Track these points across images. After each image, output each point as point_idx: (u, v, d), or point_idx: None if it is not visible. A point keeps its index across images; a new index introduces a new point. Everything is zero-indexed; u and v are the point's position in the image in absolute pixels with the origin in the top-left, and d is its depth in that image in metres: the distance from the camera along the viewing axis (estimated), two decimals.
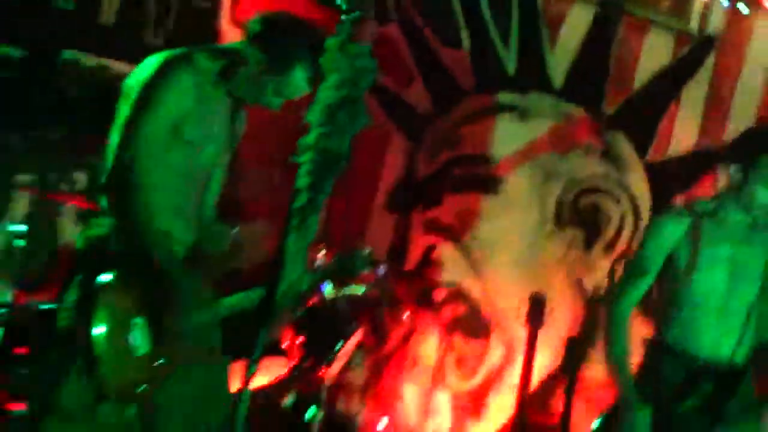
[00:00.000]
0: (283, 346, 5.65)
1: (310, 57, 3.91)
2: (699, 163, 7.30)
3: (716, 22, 7.25)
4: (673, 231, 4.56)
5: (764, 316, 4.50)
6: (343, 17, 3.57)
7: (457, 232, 6.76)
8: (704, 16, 7.24)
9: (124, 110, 3.81)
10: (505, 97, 6.95)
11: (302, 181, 3.49)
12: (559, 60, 7.08)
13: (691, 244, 4.53)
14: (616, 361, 4.64)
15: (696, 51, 7.25)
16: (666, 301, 4.66)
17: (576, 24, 7.10)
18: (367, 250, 4.89)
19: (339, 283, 5.80)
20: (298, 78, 3.98)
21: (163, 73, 3.80)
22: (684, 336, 4.56)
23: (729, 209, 4.53)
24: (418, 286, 6.67)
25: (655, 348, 4.67)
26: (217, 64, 3.93)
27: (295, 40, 4.01)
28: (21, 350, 5.35)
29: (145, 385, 3.74)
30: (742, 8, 7.27)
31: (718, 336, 4.49)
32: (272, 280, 3.39)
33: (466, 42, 6.88)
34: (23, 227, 5.42)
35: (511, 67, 6.97)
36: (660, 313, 4.70)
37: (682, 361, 4.52)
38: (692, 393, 4.45)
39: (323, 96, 3.60)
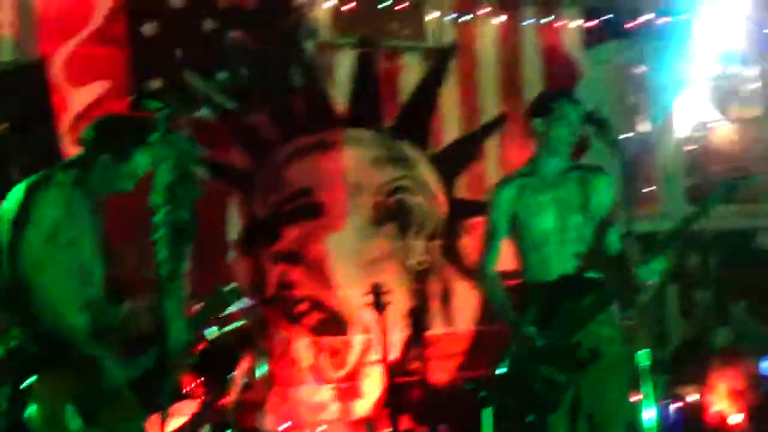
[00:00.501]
0: (187, 390, 5.48)
1: (143, 139, 3.80)
2: (467, 145, 7.39)
3: (448, 34, 7.33)
4: (507, 195, 4.63)
5: (591, 235, 4.55)
6: (157, 115, 3.47)
7: (301, 256, 6.73)
8: (438, 31, 7.32)
9: (4, 234, 3.70)
10: (304, 139, 6.83)
11: (162, 254, 3.41)
12: (340, 96, 6.98)
13: (523, 200, 4.59)
14: (498, 306, 4.71)
15: (440, 61, 7.33)
16: (520, 250, 4.66)
17: (345, 66, 7.03)
18: (232, 285, 4.78)
19: (218, 323, 5.65)
20: (140, 159, 3.85)
21: (30, 196, 3.71)
22: (539, 271, 4.59)
23: (544, 161, 4.62)
24: (281, 306, 6.57)
25: (523, 287, 4.68)
26: (71, 175, 3.81)
27: (126, 132, 3.88)
28: None
29: None
30: (465, 18, 7.35)
31: (561, 261, 4.54)
32: (161, 339, 3.27)
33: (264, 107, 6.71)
34: None
35: (304, 111, 6.85)
36: (518, 258, 4.70)
37: (544, 289, 4.54)
38: (558, 307, 4.47)
39: (159, 180, 3.53)
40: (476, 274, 4.88)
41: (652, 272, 4.42)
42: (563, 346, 4.41)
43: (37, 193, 3.70)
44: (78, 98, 6.12)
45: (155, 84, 6.39)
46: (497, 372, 4.61)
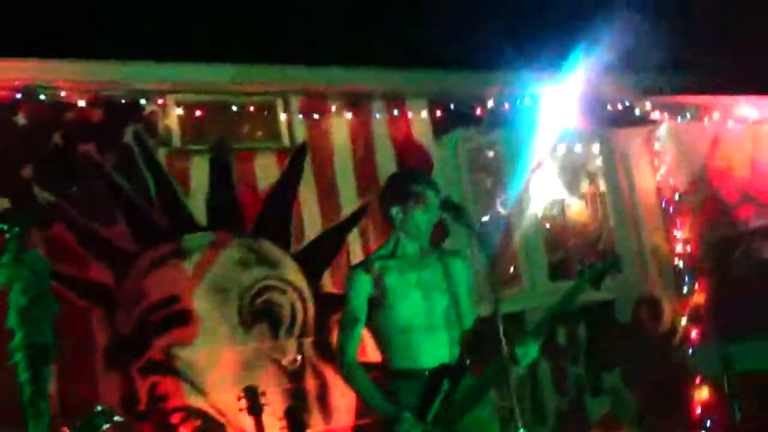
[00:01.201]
0: None
1: None
2: (330, 240, 7.45)
3: (300, 133, 7.42)
4: (365, 279, 4.58)
5: (459, 316, 4.57)
6: (7, 236, 3.40)
7: (170, 366, 6.57)
8: (290, 130, 7.39)
9: None
10: (163, 248, 6.73)
11: (23, 376, 3.29)
12: (197, 202, 6.95)
13: (385, 284, 4.51)
14: (365, 394, 4.64)
15: (295, 159, 7.41)
16: (383, 337, 4.64)
17: (200, 170, 7.01)
18: (102, 407, 4.65)
19: None
20: None
21: None
22: (409, 358, 4.54)
23: (403, 244, 4.61)
24: (155, 419, 6.39)
25: (391, 377, 4.59)
26: None
27: None
28: None
29: None
30: (315, 116, 7.46)
31: (430, 346, 4.51)
32: None
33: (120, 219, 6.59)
34: None
35: (162, 221, 6.77)
36: (382, 346, 4.66)
37: (416, 377, 4.48)
38: (435, 396, 4.44)
39: (14, 302, 3.41)
40: (338, 364, 4.77)
41: (526, 358, 4.47)
42: None
43: None
44: None
45: (3, 203, 6.25)
46: None
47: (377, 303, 4.62)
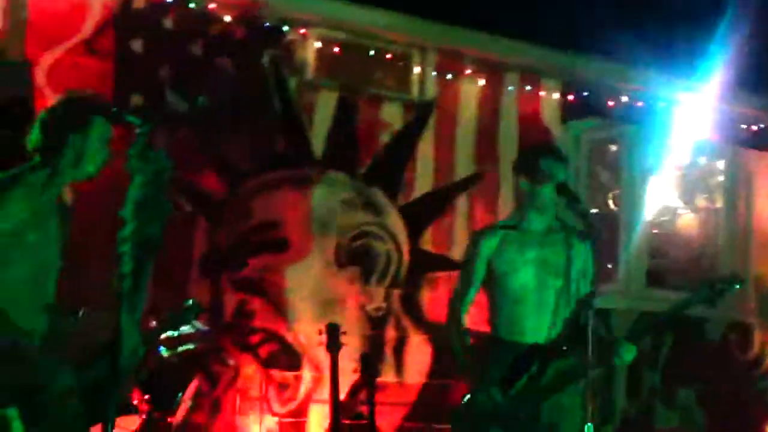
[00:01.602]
0: (134, 404, 5.46)
1: (98, 107, 3.83)
2: (437, 200, 7.48)
3: (431, 90, 7.44)
4: (488, 245, 4.59)
5: (569, 300, 4.49)
6: (137, 131, 3.51)
7: (261, 287, 6.74)
8: (421, 86, 7.42)
9: None
10: (277, 174, 6.87)
11: (125, 267, 3.42)
12: (317, 136, 7.05)
13: (504, 253, 4.54)
14: (456, 353, 4.64)
15: (420, 115, 7.43)
16: (492, 303, 4.64)
17: (325, 106, 7.11)
18: (190, 301, 4.79)
19: (173, 344, 5.66)
20: (100, 127, 3.90)
21: None
22: (509, 328, 4.56)
23: (529, 218, 4.59)
24: (236, 334, 6.56)
25: (491, 341, 4.64)
26: (41, 174, 3.79)
27: (78, 108, 3.93)
28: None
29: None
30: (449, 76, 7.48)
31: (535, 323, 4.52)
32: (114, 351, 3.27)
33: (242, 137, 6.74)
34: None
35: (280, 147, 6.91)
36: (492, 312, 4.67)
37: (512, 348, 4.53)
38: (523, 372, 4.46)
39: (132, 195, 3.54)
40: (447, 317, 4.75)
41: (622, 359, 4.41)
42: (523, 414, 4.36)
43: (5, 192, 3.71)
44: None
45: (137, 99, 6.45)
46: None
47: (493, 271, 4.64)
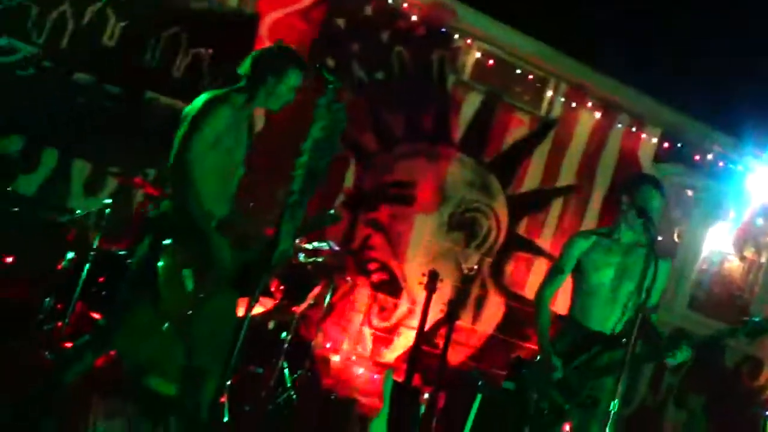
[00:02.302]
0: (272, 290, 5.56)
1: (296, 60, 3.84)
2: (539, 197, 7.35)
3: (557, 111, 7.29)
4: (582, 244, 4.49)
5: (636, 303, 4.22)
6: (329, 86, 3.52)
7: (386, 228, 6.78)
8: (549, 106, 7.28)
9: (182, 128, 3.73)
10: (421, 145, 6.85)
11: (295, 185, 3.44)
12: (460, 125, 6.99)
13: (592, 254, 4.45)
14: (539, 328, 4.49)
15: (543, 128, 7.32)
16: (574, 291, 4.53)
17: (471, 103, 7.02)
18: (333, 211, 4.82)
19: (311, 253, 5.72)
20: (293, 78, 3.89)
21: (210, 104, 3.74)
22: (582, 314, 4.46)
23: (621, 231, 4.46)
24: (359, 259, 6.61)
25: (565, 320, 4.57)
26: (242, 97, 3.85)
27: (280, 57, 3.92)
28: (101, 279, 5.19)
29: (189, 310, 3.65)
30: (573, 104, 7.30)
31: (604, 316, 4.40)
32: (272, 247, 3.31)
33: (402, 110, 6.74)
34: (110, 200, 5.30)
35: (429, 126, 6.89)
36: (572, 299, 4.56)
37: (581, 330, 4.45)
38: (585, 352, 4.37)
39: (313, 133, 3.56)
40: (537, 294, 4.60)
41: (676, 359, 4.26)
42: (576, 385, 4.25)
43: (214, 105, 3.72)
44: None
45: (329, 63, 6.50)
46: (525, 381, 4.51)
47: (579, 265, 4.54)
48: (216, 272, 3.78)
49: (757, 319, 4.30)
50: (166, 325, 3.75)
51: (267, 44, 6.21)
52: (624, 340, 4.22)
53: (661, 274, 4.32)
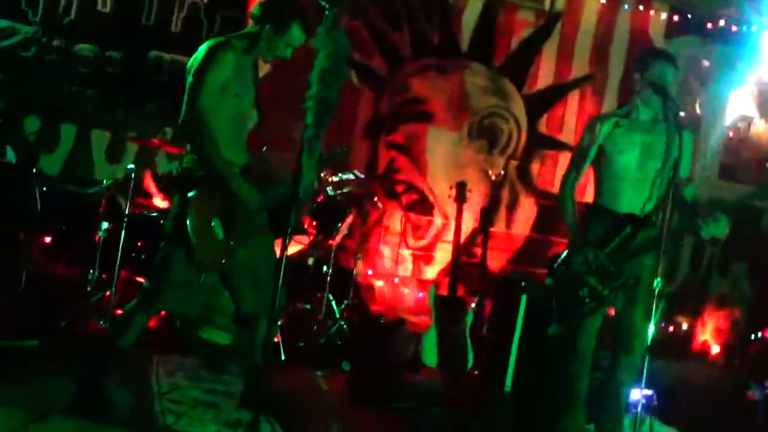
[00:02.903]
0: (305, 227, 5.59)
1: (300, 17, 3.79)
2: (555, 93, 7.26)
3: (560, 3, 7.15)
4: (603, 128, 4.41)
5: (665, 179, 4.19)
6: (326, 12, 3.46)
7: (408, 148, 6.78)
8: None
9: (188, 81, 3.70)
10: (430, 60, 6.75)
11: (308, 119, 3.43)
12: (465, 33, 6.87)
13: (614, 137, 4.39)
14: (565, 215, 4.42)
15: (549, 22, 7.18)
16: (599, 177, 4.45)
17: (473, 10, 6.88)
18: (341, 147, 4.82)
19: (338, 185, 5.73)
20: (295, 33, 3.82)
21: (212, 52, 3.69)
22: (610, 199, 4.43)
23: (639, 110, 4.38)
24: (386, 183, 6.62)
25: (593, 208, 4.53)
26: (245, 42, 3.82)
27: (284, 9, 3.85)
28: (139, 243, 5.26)
29: (224, 259, 3.69)
30: None
31: (633, 197, 4.33)
32: (296, 183, 3.32)
33: (404, 28, 6.63)
34: (133, 165, 5.32)
35: (435, 39, 6.77)
36: (596, 184, 4.50)
37: (610, 215, 4.41)
38: (616, 235, 4.35)
39: (318, 64, 3.52)
40: (561, 185, 4.48)
41: (710, 230, 4.21)
42: (612, 268, 4.16)
43: (217, 53, 3.67)
44: None
45: None
46: (558, 274, 4.49)
47: (602, 150, 4.46)
48: (245, 217, 3.81)
49: None
50: (204, 276, 3.81)
51: None
52: (655, 218, 4.22)
53: (685, 146, 4.26)
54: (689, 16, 7.52)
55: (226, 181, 3.72)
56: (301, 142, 3.54)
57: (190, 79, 3.70)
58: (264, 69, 5.80)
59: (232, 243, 3.78)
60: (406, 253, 6.74)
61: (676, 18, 7.51)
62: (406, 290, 6.60)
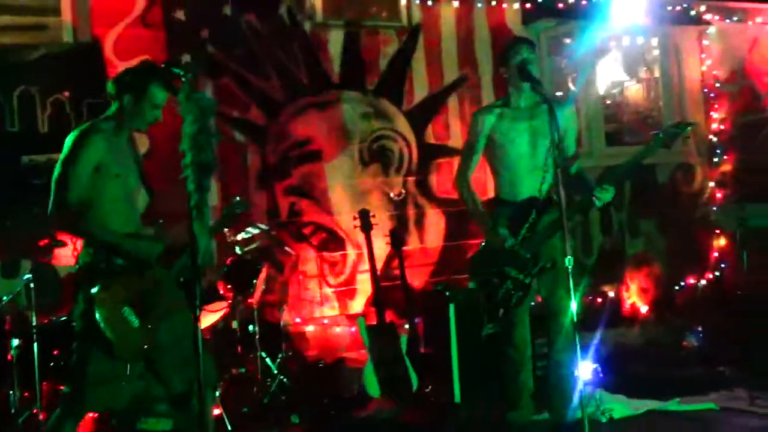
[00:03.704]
0: (221, 292, 5.49)
1: (155, 76, 3.77)
2: (433, 102, 7.36)
3: (417, 16, 7.26)
4: (487, 120, 4.50)
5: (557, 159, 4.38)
6: (183, 79, 3.45)
7: (305, 190, 6.72)
8: (409, 13, 7.23)
9: (57, 170, 3.71)
10: (305, 100, 6.76)
11: (189, 186, 3.38)
12: (333, 66, 6.94)
13: (501, 127, 4.44)
14: (469, 205, 4.55)
15: (411, 37, 7.28)
16: (496, 170, 4.54)
17: (335, 41, 6.95)
18: (237, 198, 4.75)
19: (245, 243, 5.66)
20: (156, 92, 3.83)
21: (79, 140, 3.71)
22: (510, 189, 4.48)
23: (516, 98, 4.49)
24: (292, 229, 6.56)
25: (496, 203, 4.56)
26: (111, 123, 3.81)
27: (138, 74, 3.87)
28: (55, 351, 5.08)
29: (145, 345, 3.62)
30: (429, 2, 7.26)
31: (530, 182, 4.42)
32: (192, 252, 3.26)
33: (273, 75, 6.62)
34: (30, 275, 5.17)
35: (305, 79, 6.78)
36: (494, 177, 4.59)
37: (514, 206, 4.45)
38: (524, 222, 4.40)
39: (186, 131, 3.50)
40: (456, 182, 4.65)
41: (602, 200, 4.25)
42: (529, 255, 4.32)
43: (83, 139, 3.68)
44: None
45: (186, 58, 6.32)
46: (477, 272, 4.53)
47: (492, 142, 4.52)
48: (157, 298, 3.74)
49: (663, 131, 4.40)
50: (129, 367, 3.71)
51: (118, 63, 6.04)
52: (556, 197, 4.29)
53: (566, 121, 4.39)
54: (539, 0, 7.75)
55: (121, 249, 3.67)
56: (189, 209, 3.50)
57: (58, 169, 3.67)
58: (144, 145, 5.73)
59: (149, 327, 3.70)
60: (329, 291, 6.69)
61: (528, 5, 7.72)
62: (338, 329, 6.55)
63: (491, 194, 4.81)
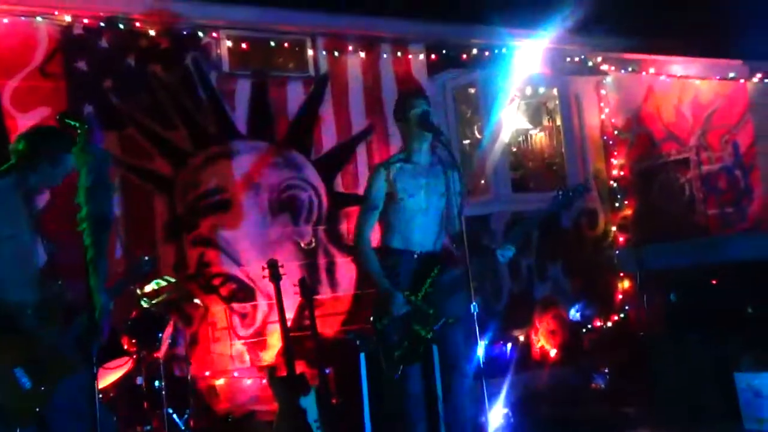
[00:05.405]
0: (125, 348, 5.30)
1: (72, 147, 3.67)
2: (342, 151, 7.38)
3: (324, 66, 7.29)
4: (384, 175, 4.49)
5: (450, 218, 4.49)
6: (78, 131, 3.38)
7: (214, 241, 6.59)
8: (316, 64, 7.26)
9: None
10: (213, 150, 6.67)
11: (87, 240, 3.30)
12: (241, 115, 6.88)
13: (401, 181, 4.44)
14: (370, 264, 4.51)
15: (318, 87, 7.28)
16: (390, 221, 4.54)
17: (242, 91, 6.91)
18: (147, 257, 4.62)
19: (151, 295, 5.50)
20: (69, 161, 3.72)
21: None
22: (403, 240, 4.49)
23: (415, 154, 4.52)
24: (201, 281, 6.41)
25: (384, 251, 4.55)
26: (8, 180, 3.64)
27: (56, 142, 3.77)
28: None
29: (38, 407, 3.46)
30: (336, 54, 7.31)
31: (423, 236, 4.46)
32: (89, 309, 3.16)
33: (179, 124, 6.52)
34: None
35: (212, 128, 6.70)
36: (387, 229, 4.58)
37: (407, 256, 4.45)
38: (427, 276, 4.40)
39: (81, 184, 3.42)
40: (355, 241, 4.62)
41: (505, 258, 4.39)
42: (430, 311, 4.33)
43: None
44: (25, 122, 5.84)
45: (88, 109, 6.18)
46: (378, 328, 4.49)
47: (391, 196, 4.52)
48: (52, 358, 3.59)
49: (562, 193, 4.55)
50: None
51: (16, 115, 5.86)
52: (459, 252, 4.38)
53: (453, 184, 4.50)
54: (444, 51, 7.90)
55: (22, 325, 3.51)
56: (86, 265, 3.40)
57: None
58: (42, 200, 5.53)
59: (42, 389, 3.53)
60: (239, 344, 6.55)
61: (433, 56, 7.86)
62: (249, 381, 6.39)
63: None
